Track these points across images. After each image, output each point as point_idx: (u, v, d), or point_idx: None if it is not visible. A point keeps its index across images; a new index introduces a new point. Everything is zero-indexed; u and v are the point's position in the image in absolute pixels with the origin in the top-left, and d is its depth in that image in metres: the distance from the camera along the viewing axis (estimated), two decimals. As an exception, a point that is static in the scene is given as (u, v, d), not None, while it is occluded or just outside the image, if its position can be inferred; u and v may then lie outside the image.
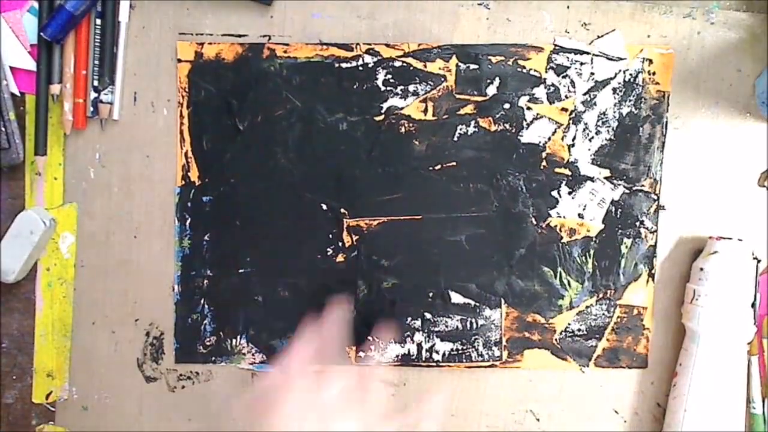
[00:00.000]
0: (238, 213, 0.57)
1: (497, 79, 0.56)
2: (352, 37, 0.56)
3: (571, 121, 0.56)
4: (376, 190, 0.57)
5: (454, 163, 0.57)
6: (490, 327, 0.58)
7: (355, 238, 0.57)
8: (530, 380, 0.58)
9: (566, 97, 0.56)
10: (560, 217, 0.57)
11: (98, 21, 0.55)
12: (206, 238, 0.57)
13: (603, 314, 0.58)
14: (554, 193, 0.57)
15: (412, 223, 0.57)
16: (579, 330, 0.58)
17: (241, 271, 0.57)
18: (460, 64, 0.56)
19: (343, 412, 0.41)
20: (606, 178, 0.57)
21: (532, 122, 0.56)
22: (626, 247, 0.57)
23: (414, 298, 0.57)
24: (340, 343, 0.48)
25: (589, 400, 0.58)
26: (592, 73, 0.56)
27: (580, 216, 0.57)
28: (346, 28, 0.56)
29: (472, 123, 0.56)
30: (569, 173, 0.57)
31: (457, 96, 0.56)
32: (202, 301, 0.58)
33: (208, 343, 0.58)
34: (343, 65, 0.56)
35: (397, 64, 0.56)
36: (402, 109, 0.56)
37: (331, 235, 0.57)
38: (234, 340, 0.58)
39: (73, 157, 0.57)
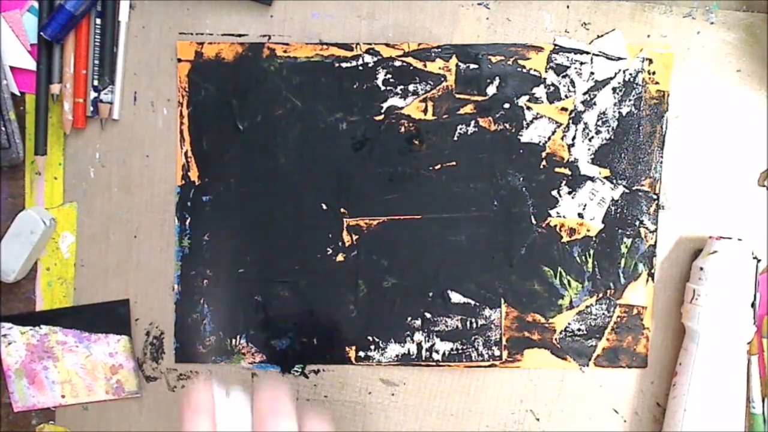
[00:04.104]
0: (238, 213, 0.57)
1: (497, 78, 0.56)
2: (352, 37, 0.56)
3: (570, 121, 0.56)
4: (376, 190, 0.57)
5: (454, 163, 0.57)
6: (490, 327, 0.58)
7: (355, 237, 0.57)
8: (530, 380, 0.58)
9: (566, 96, 0.56)
10: (560, 216, 0.57)
11: (98, 21, 0.55)
12: (206, 237, 0.57)
13: (603, 314, 0.58)
14: (554, 193, 0.57)
15: (412, 223, 0.57)
16: (579, 330, 0.58)
17: (241, 271, 0.57)
18: (460, 63, 0.56)
19: None
20: (606, 177, 0.57)
21: (531, 122, 0.56)
22: (626, 246, 0.57)
23: (414, 298, 0.57)
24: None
25: (589, 399, 0.58)
26: (592, 73, 0.56)
27: (580, 216, 0.57)
28: (346, 28, 0.56)
29: (472, 123, 0.56)
30: (569, 173, 0.57)
31: (457, 96, 0.56)
32: (202, 301, 0.58)
33: (207, 343, 0.58)
34: (343, 65, 0.56)
35: (397, 63, 0.56)
36: (402, 108, 0.56)
37: (331, 235, 0.57)
38: (234, 340, 0.58)
39: (73, 156, 0.57)
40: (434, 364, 0.58)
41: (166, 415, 0.58)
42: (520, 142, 0.57)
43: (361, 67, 0.56)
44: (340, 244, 0.57)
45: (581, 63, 0.56)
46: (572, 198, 0.57)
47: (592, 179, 0.57)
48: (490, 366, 0.58)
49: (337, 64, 0.56)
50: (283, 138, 0.57)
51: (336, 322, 0.58)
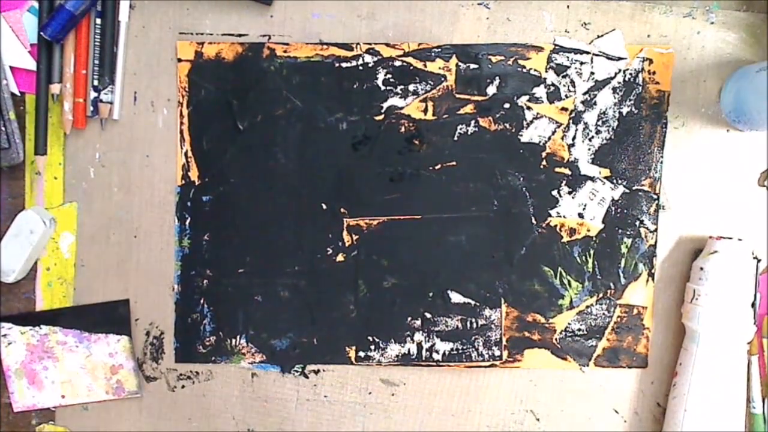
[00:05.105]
0: (238, 213, 0.57)
1: (497, 78, 0.56)
2: (352, 37, 0.56)
3: (571, 121, 0.56)
4: (376, 190, 0.57)
5: (454, 163, 0.57)
6: (490, 327, 0.58)
7: (355, 237, 0.57)
8: (530, 380, 0.58)
9: (566, 96, 0.56)
10: (560, 216, 0.57)
11: (98, 21, 0.55)
12: (206, 237, 0.57)
13: (603, 314, 0.58)
14: (554, 193, 0.57)
15: (412, 223, 0.57)
16: (579, 330, 0.58)
17: (240, 271, 0.57)
18: (460, 63, 0.56)
19: None
20: (606, 177, 0.57)
21: (532, 122, 0.56)
22: (626, 246, 0.57)
23: (414, 298, 0.57)
24: None
25: (589, 400, 0.58)
26: (592, 73, 0.56)
27: (580, 216, 0.57)
28: (346, 28, 0.56)
29: (472, 123, 0.56)
30: (569, 173, 0.57)
31: (457, 96, 0.56)
32: (202, 301, 0.58)
33: (207, 343, 0.58)
34: (343, 65, 0.56)
35: (397, 63, 0.56)
36: (402, 108, 0.56)
37: (331, 235, 0.57)
38: (234, 340, 0.58)
39: (73, 156, 0.57)
40: (434, 364, 0.58)
41: (166, 415, 0.58)
42: (520, 142, 0.57)
43: (361, 67, 0.56)
44: (340, 244, 0.57)
45: (581, 63, 0.56)
46: (572, 198, 0.57)
47: (592, 179, 0.57)
48: (490, 366, 0.58)
49: (337, 64, 0.56)
50: (283, 138, 0.57)
51: (336, 322, 0.58)
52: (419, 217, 0.57)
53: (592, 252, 0.57)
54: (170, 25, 0.56)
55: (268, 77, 0.56)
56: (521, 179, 0.57)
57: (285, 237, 0.57)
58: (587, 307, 0.58)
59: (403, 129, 0.57)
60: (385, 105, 0.56)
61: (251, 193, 0.57)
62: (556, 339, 0.58)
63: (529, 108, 0.56)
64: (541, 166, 0.57)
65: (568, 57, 0.56)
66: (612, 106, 0.56)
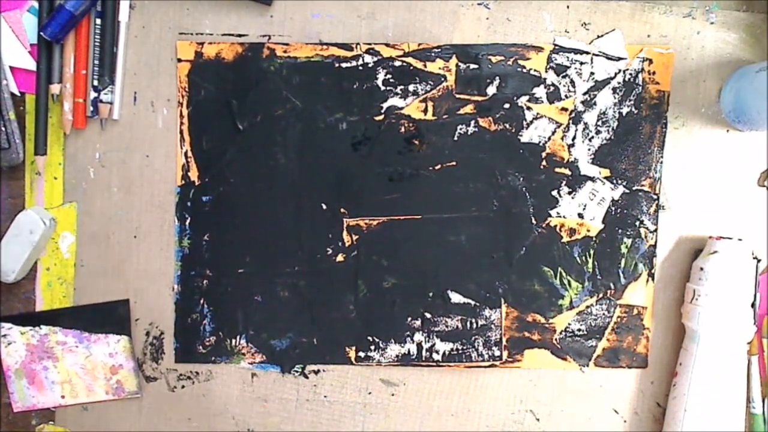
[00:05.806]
0: (238, 213, 0.57)
1: (497, 78, 0.56)
2: (352, 37, 0.56)
3: (571, 121, 0.56)
4: (376, 190, 0.57)
5: (454, 163, 0.57)
6: (490, 327, 0.58)
7: (355, 237, 0.57)
8: (530, 380, 0.58)
9: (566, 96, 0.56)
10: (560, 217, 0.57)
11: (98, 21, 0.55)
12: (206, 238, 0.57)
13: (603, 314, 0.58)
14: (554, 193, 0.57)
15: (412, 223, 0.57)
16: (579, 330, 0.58)
17: (240, 271, 0.57)
18: (460, 63, 0.56)
19: None
20: (606, 177, 0.57)
21: (531, 122, 0.56)
22: (626, 246, 0.57)
23: (414, 298, 0.57)
24: None
25: (589, 400, 0.58)
26: (592, 73, 0.56)
27: (580, 216, 0.57)
28: (346, 28, 0.56)
29: (472, 123, 0.57)
30: (569, 173, 0.57)
31: (457, 96, 0.56)
32: (201, 301, 0.58)
33: (207, 343, 0.58)
34: (343, 65, 0.56)
35: (397, 63, 0.56)
36: (402, 108, 0.56)
37: (331, 235, 0.57)
38: (234, 340, 0.58)
39: (73, 156, 0.57)
40: (434, 364, 0.58)
41: (166, 415, 0.58)
42: (520, 142, 0.57)
43: (361, 67, 0.56)
44: (340, 244, 0.57)
45: (581, 63, 0.56)
46: (572, 198, 0.57)
47: (592, 179, 0.57)
48: (490, 366, 0.58)
49: (337, 64, 0.56)
50: (283, 138, 0.57)
51: (336, 322, 0.58)
52: (419, 217, 0.57)
53: (592, 252, 0.57)
54: (170, 25, 0.56)
55: (268, 77, 0.56)
56: (521, 179, 0.57)
57: (285, 237, 0.57)
58: (587, 307, 0.58)
59: (402, 129, 0.57)
60: (385, 105, 0.56)
61: (251, 193, 0.57)
62: (556, 339, 0.58)
63: (529, 108, 0.56)
64: (541, 166, 0.57)
65: (568, 57, 0.56)
66: (612, 107, 0.56)
